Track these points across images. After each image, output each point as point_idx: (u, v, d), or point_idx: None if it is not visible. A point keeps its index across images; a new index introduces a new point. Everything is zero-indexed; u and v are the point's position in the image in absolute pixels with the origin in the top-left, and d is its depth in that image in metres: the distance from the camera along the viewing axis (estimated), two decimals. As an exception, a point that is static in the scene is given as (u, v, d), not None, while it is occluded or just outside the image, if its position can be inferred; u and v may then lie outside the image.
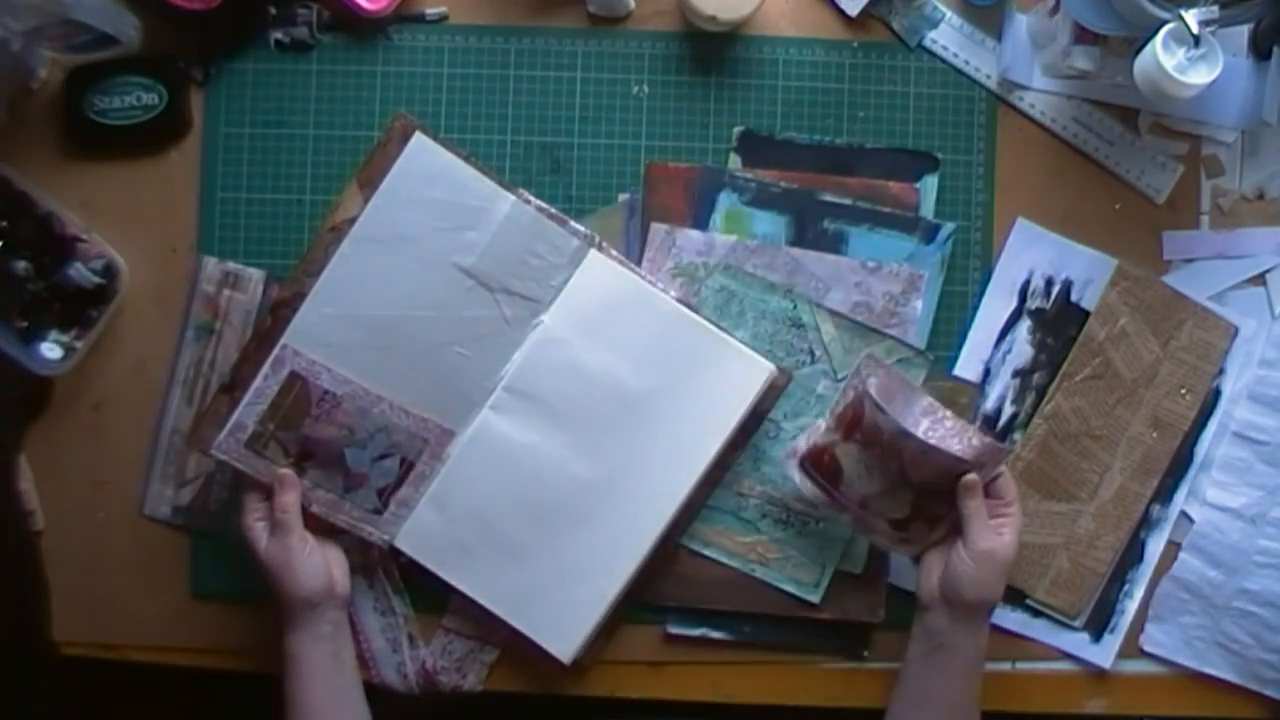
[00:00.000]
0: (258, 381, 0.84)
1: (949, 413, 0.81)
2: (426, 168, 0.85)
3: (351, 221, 0.84)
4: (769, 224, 0.90)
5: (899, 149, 0.91)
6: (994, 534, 0.78)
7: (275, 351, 0.84)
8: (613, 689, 0.91)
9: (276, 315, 0.84)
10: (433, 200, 0.85)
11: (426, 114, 0.91)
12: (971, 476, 0.78)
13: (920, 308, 0.89)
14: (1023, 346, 0.91)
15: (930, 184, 0.91)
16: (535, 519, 0.86)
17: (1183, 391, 0.91)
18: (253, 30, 0.91)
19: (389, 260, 0.85)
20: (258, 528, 0.82)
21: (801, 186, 0.90)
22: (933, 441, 0.78)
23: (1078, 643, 0.91)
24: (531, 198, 0.86)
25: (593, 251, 0.86)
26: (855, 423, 0.81)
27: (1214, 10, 0.78)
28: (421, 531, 0.86)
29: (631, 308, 0.86)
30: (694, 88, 0.91)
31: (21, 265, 0.87)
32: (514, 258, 0.86)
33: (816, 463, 0.83)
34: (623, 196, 0.91)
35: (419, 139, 0.85)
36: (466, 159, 0.85)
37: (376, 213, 0.85)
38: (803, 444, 0.84)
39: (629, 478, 0.86)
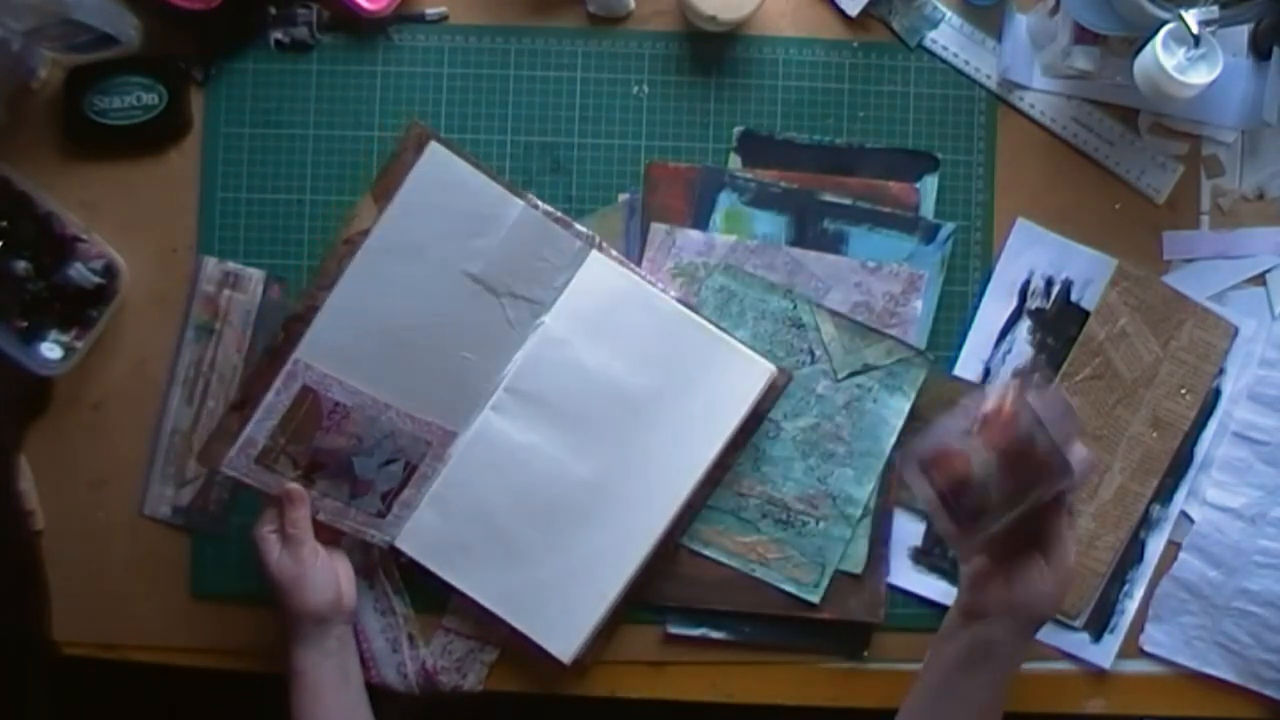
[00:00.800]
0: (269, 397, 0.83)
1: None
2: (441, 177, 0.85)
3: (365, 233, 0.84)
4: (769, 224, 0.90)
5: (899, 149, 0.91)
6: (1071, 551, 0.74)
7: (287, 366, 0.84)
8: (613, 689, 0.91)
9: (289, 330, 0.84)
10: (446, 209, 0.85)
11: (426, 114, 0.91)
12: (1070, 497, 0.74)
13: (920, 308, 0.89)
14: (1023, 346, 0.91)
15: (930, 184, 0.91)
16: (535, 519, 0.86)
17: (1183, 391, 0.91)
18: (253, 30, 0.91)
19: (402, 270, 0.84)
20: (270, 539, 0.82)
21: (801, 186, 0.90)
22: (1082, 466, 0.71)
23: (1078, 643, 0.91)
24: (539, 201, 0.86)
25: (594, 252, 0.86)
26: (1006, 435, 0.72)
27: (1214, 10, 0.78)
28: (422, 532, 0.86)
29: (631, 308, 0.86)
30: (694, 88, 0.91)
31: (21, 265, 0.87)
32: (521, 262, 0.86)
33: (942, 466, 0.74)
34: (623, 196, 0.91)
35: (434, 148, 0.84)
36: (477, 165, 0.85)
37: (391, 224, 0.84)
38: (928, 445, 0.75)
39: (630, 478, 0.86)
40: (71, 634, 0.91)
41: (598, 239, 0.86)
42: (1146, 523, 0.91)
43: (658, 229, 0.89)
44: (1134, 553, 0.91)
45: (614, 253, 0.87)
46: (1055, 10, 0.86)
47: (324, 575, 0.81)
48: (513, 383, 0.86)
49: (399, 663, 0.88)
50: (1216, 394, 0.91)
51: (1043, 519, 0.73)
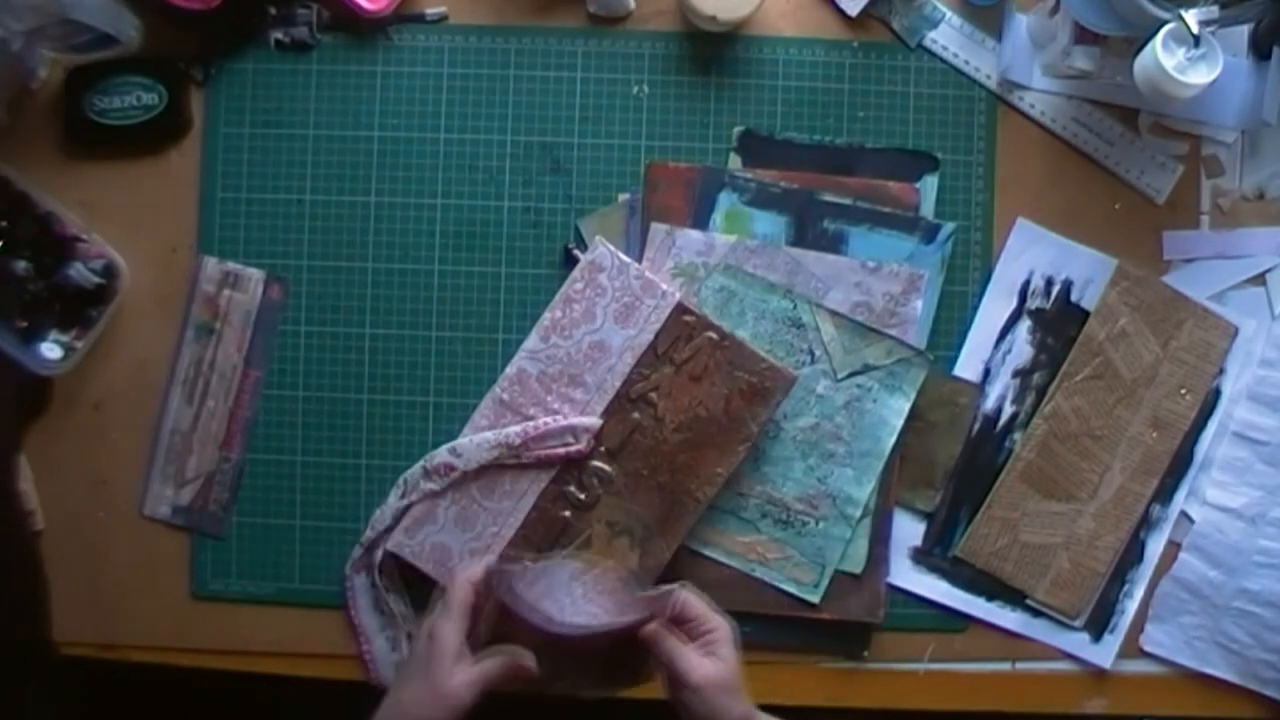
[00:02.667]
0: None
1: (602, 567, 0.77)
2: None
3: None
4: (769, 224, 0.90)
5: (899, 149, 0.91)
6: (705, 658, 0.74)
7: None
8: (613, 689, 0.90)
9: None
10: None
11: (426, 114, 0.91)
12: (651, 628, 0.74)
13: (920, 308, 0.89)
14: (1023, 346, 0.91)
15: (930, 184, 0.91)
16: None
17: (1183, 391, 0.90)
18: (253, 30, 0.91)
19: None
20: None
21: (801, 186, 0.90)
22: (585, 622, 0.72)
23: (1078, 643, 0.91)
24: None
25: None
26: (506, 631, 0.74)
27: (1214, 10, 0.78)
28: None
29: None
30: (694, 88, 0.91)
31: (21, 265, 0.87)
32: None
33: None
34: (623, 196, 0.91)
35: None
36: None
37: None
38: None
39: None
40: (71, 634, 0.91)
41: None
42: (1146, 523, 0.91)
43: (658, 229, 0.89)
44: (1134, 553, 0.91)
45: (621, 254, 0.87)
46: (1055, 10, 0.86)
47: None
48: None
49: (397, 661, 0.88)
50: (1216, 394, 0.91)
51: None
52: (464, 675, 0.71)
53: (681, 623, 0.76)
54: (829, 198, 0.90)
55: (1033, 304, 0.91)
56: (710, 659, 0.73)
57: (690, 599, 0.76)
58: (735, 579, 0.89)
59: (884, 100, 0.91)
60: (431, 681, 0.71)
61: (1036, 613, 0.91)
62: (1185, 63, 0.77)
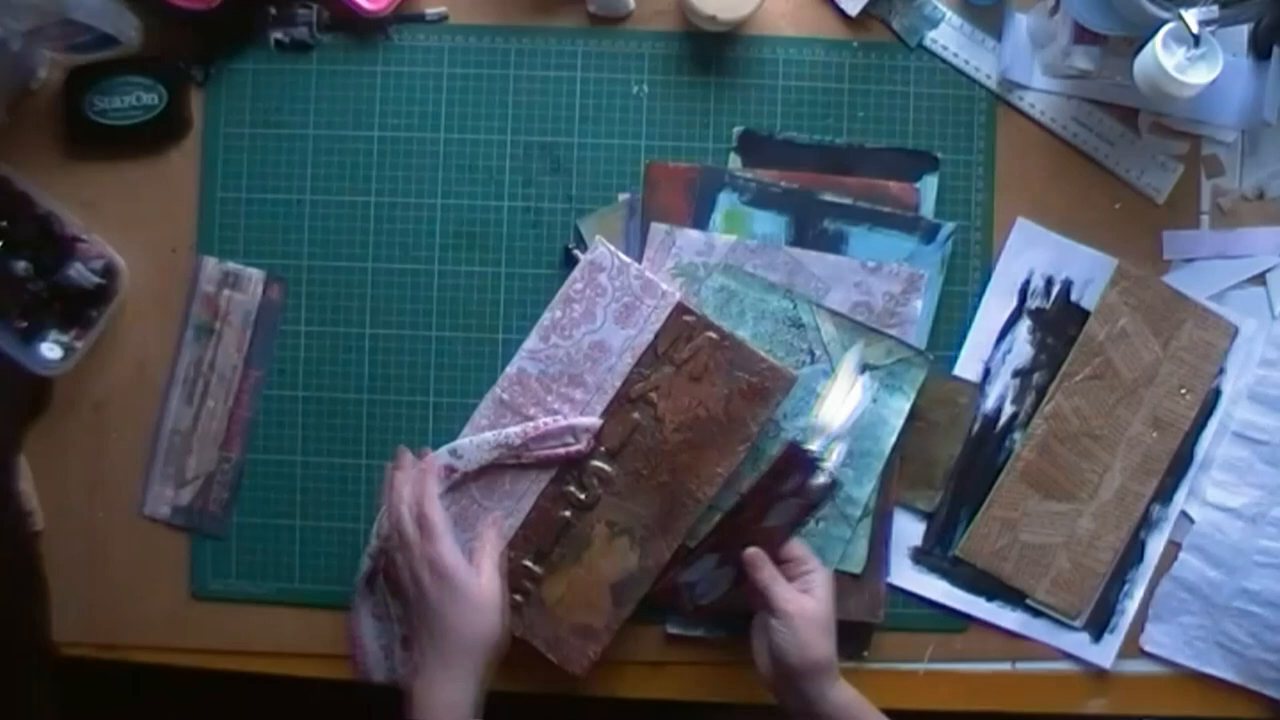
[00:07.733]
0: None
1: None
2: None
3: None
4: (769, 224, 0.90)
5: (899, 149, 0.91)
6: (799, 594, 0.79)
7: None
8: (613, 689, 0.91)
9: None
10: None
11: (426, 114, 0.91)
12: (752, 551, 0.80)
13: (920, 308, 0.89)
14: (1023, 346, 0.91)
15: (930, 184, 0.91)
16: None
17: (1183, 391, 0.91)
18: (253, 30, 0.91)
19: None
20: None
21: (801, 186, 0.90)
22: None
23: (1078, 643, 0.91)
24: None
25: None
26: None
27: (1214, 10, 0.78)
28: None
29: None
30: (694, 88, 0.91)
31: (21, 265, 0.87)
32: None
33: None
34: (623, 196, 0.91)
35: None
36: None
37: None
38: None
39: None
40: (71, 634, 0.91)
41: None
42: (1146, 523, 0.91)
43: (658, 229, 0.89)
44: (1134, 553, 0.91)
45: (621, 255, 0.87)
46: (1055, 10, 0.86)
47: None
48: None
49: (389, 668, 0.87)
50: (1216, 394, 0.91)
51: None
52: (484, 570, 0.79)
53: (781, 562, 0.82)
54: (829, 198, 0.90)
55: (1033, 304, 0.91)
56: (805, 594, 0.79)
57: (795, 542, 0.82)
58: (735, 579, 0.89)
59: (884, 100, 0.91)
60: (467, 593, 0.76)
61: (1036, 613, 0.91)
62: (1185, 63, 0.77)
